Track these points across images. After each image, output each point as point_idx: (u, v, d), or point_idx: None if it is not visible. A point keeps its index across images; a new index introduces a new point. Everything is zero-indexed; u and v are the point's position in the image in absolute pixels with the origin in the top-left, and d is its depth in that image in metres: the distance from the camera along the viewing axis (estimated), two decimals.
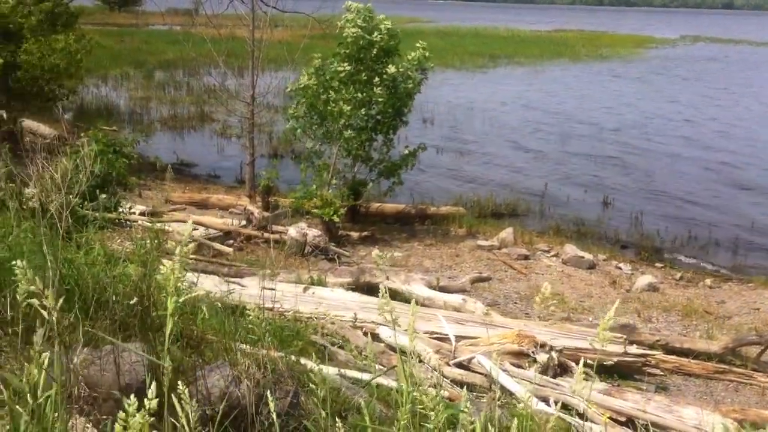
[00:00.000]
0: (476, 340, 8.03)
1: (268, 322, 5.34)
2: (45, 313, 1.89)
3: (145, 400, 1.93)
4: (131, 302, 3.72)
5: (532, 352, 7.62)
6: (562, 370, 7.65)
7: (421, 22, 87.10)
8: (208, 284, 7.15)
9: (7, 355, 3.11)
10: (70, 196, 3.84)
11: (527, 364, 7.44)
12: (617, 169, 21.65)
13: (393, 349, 7.11)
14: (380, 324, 7.86)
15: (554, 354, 7.67)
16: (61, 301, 1.95)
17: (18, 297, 2.30)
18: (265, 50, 16.25)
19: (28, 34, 14.32)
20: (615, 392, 7.11)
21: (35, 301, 1.86)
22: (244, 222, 13.35)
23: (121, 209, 9.96)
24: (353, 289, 9.75)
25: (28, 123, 18.57)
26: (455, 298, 9.71)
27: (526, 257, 13.53)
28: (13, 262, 4.12)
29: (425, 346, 7.33)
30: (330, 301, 8.74)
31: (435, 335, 8.00)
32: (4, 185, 6.31)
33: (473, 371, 7.21)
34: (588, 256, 13.49)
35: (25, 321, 3.52)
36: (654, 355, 8.61)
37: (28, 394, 1.95)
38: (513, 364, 7.34)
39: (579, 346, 8.06)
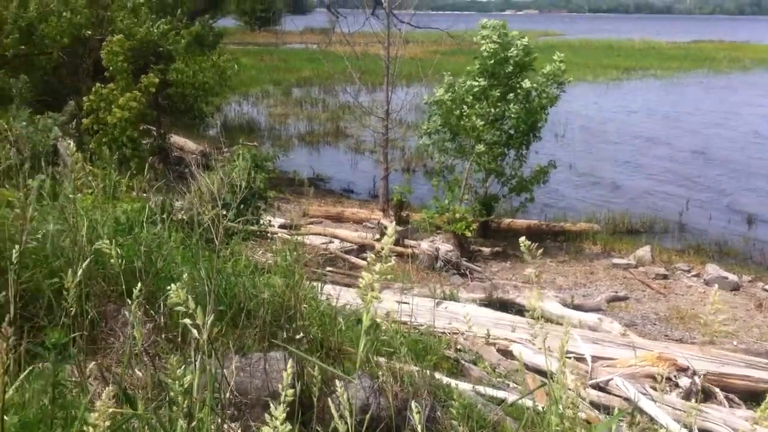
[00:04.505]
0: (613, 362, 7.80)
1: (403, 335, 5.41)
2: (196, 332, 2.01)
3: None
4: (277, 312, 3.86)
5: (674, 376, 7.33)
6: (705, 395, 7.31)
7: (553, 35, 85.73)
8: (345, 296, 7.30)
9: (163, 361, 3.30)
10: (221, 210, 4.05)
11: (668, 389, 7.16)
12: (763, 185, 20.47)
13: (528, 367, 7.01)
14: (514, 341, 7.78)
15: (697, 379, 7.33)
16: (212, 318, 2.07)
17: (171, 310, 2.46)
18: (399, 66, 16.48)
19: (177, 54, 15.20)
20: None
21: (188, 321, 1.97)
22: (377, 236, 13.55)
23: (261, 222, 10.34)
24: (486, 305, 9.70)
25: (176, 138, 19.63)
26: (591, 317, 9.48)
27: (665, 277, 13.01)
28: (168, 274, 4.37)
29: (561, 365, 7.18)
30: (462, 316, 8.72)
31: (570, 354, 7.83)
32: (156, 197, 6.70)
33: (611, 393, 7.00)
34: (732, 276, 12.82)
35: (178, 328, 3.73)
36: None
37: (184, 399, 2.07)
38: (652, 388, 7.08)
39: (723, 371, 7.67)
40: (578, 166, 22.76)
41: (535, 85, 14.37)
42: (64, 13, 13.30)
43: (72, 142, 3.45)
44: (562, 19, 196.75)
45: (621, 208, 17.45)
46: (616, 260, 13.80)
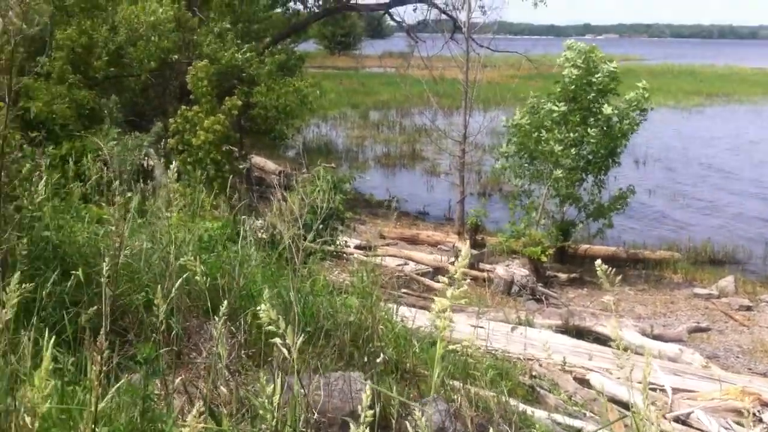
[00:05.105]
0: (694, 394, 7.57)
1: (478, 360, 5.38)
2: (285, 351, 2.05)
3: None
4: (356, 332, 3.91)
5: (758, 411, 7.06)
6: None
7: (634, 60, 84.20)
8: (420, 319, 7.31)
9: (246, 376, 3.38)
10: (301, 230, 4.12)
11: (752, 425, 6.90)
12: None
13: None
14: (591, 369, 7.63)
15: None
16: (301, 338, 2.11)
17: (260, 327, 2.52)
18: (477, 90, 16.49)
19: (260, 79, 15.58)
20: None
21: (278, 340, 2.02)
22: (452, 259, 13.52)
23: (338, 242, 10.45)
24: (562, 332, 9.56)
25: (257, 159, 20.08)
26: (671, 348, 9.23)
27: (749, 308, 12.55)
28: (249, 292, 4.46)
29: (640, 397, 7.01)
30: (538, 342, 8.62)
31: (649, 385, 7.63)
32: (237, 217, 6.86)
33: (692, 427, 6.79)
34: None
35: (258, 345, 3.80)
36: None
37: (272, 416, 2.11)
38: (736, 423, 6.83)
39: None
40: (658, 192, 22.24)
41: (616, 111, 14.12)
42: (153, 38, 13.79)
43: (163, 162, 3.58)
44: (642, 43, 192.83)
45: (703, 236, 16.95)
46: (697, 290, 13.41)
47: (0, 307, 2.41)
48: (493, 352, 7.40)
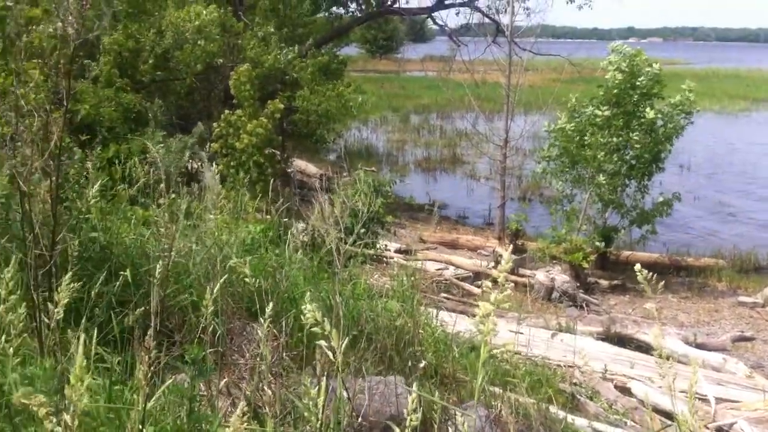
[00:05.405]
0: (738, 404, 7.44)
1: (518, 366, 5.36)
2: (330, 354, 2.08)
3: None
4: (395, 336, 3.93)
5: None
6: None
7: (678, 63, 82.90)
8: (460, 324, 7.30)
9: (288, 379, 3.42)
10: (341, 233, 4.16)
11: None
12: None
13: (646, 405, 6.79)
14: (633, 378, 7.55)
15: None
16: (346, 341, 2.14)
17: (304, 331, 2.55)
18: (519, 94, 16.41)
19: (302, 82, 15.71)
20: None
21: (323, 343, 2.05)
22: (492, 264, 13.47)
23: (378, 246, 10.48)
24: (603, 339, 9.47)
25: (298, 162, 20.24)
26: (715, 357, 9.08)
27: None
28: (291, 295, 4.51)
29: (683, 406, 6.92)
30: (578, 349, 8.54)
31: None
32: (279, 220, 6.93)
33: None
34: None
35: (299, 347, 3.84)
36: None
37: (317, 419, 2.14)
38: None
39: None
40: (703, 198, 21.89)
41: (660, 114, 13.93)
42: (199, 41, 14.00)
43: (210, 165, 3.64)
44: (687, 47, 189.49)
45: (748, 244, 16.62)
46: (742, 298, 13.15)
47: (52, 307, 2.48)
48: (532, 358, 7.37)
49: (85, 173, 5.21)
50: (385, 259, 10.46)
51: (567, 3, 23.23)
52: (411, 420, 1.90)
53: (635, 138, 13.76)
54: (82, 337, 1.74)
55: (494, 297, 1.98)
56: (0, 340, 2.32)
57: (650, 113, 13.73)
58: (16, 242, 3.38)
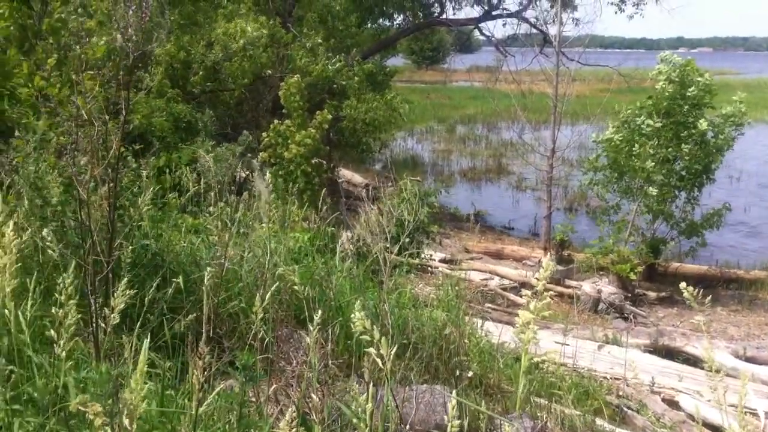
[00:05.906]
0: None
1: (564, 377, 5.33)
2: (380, 362, 2.11)
3: None
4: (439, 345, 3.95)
5: None
6: None
7: (729, 74, 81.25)
8: (505, 334, 7.28)
9: (334, 386, 3.46)
10: (387, 243, 4.19)
11: None
12: None
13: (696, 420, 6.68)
14: (681, 391, 7.44)
15: None
16: (395, 349, 2.17)
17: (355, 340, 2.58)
18: (566, 104, 16.30)
19: (349, 92, 15.84)
20: None
21: (372, 350, 2.08)
22: (538, 274, 13.36)
23: (423, 255, 10.50)
24: (650, 352, 9.34)
25: (344, 172, 20.35)
26: (765, 371, 8.89)
27: None
28: (337, 303, 4.56)
29: (732, 420, 6.80)
30: (625, 361, 8.45)
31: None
32: (326, 229, 7.01)
33: None
34: None
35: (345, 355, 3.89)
36: None
37: (365, 426, 2.17)
38: None
39: None
40: (754, 210, 21.43)
41: (711, 126, 13.70)
42: (248, 52, 14.23)
43: (265, 175, 3.71)
44: (737, 57, 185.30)
45: None
46: None
47: (109, 312, 2.56)
48: (579, 370, 7.31)
49: (138, 182, 5.35)
50: (430, 268, 10.47)
51: (616, 13, 23.05)
52: (452, 426, 1.92)
53: (685, 149, 13.55)
54: (145, 342, 1.80)
55: (533, 305, 2.00)
56: (58, 344, 2.40)
57: (703, 124, 13.50)
58: (72, 249, 3.48)
